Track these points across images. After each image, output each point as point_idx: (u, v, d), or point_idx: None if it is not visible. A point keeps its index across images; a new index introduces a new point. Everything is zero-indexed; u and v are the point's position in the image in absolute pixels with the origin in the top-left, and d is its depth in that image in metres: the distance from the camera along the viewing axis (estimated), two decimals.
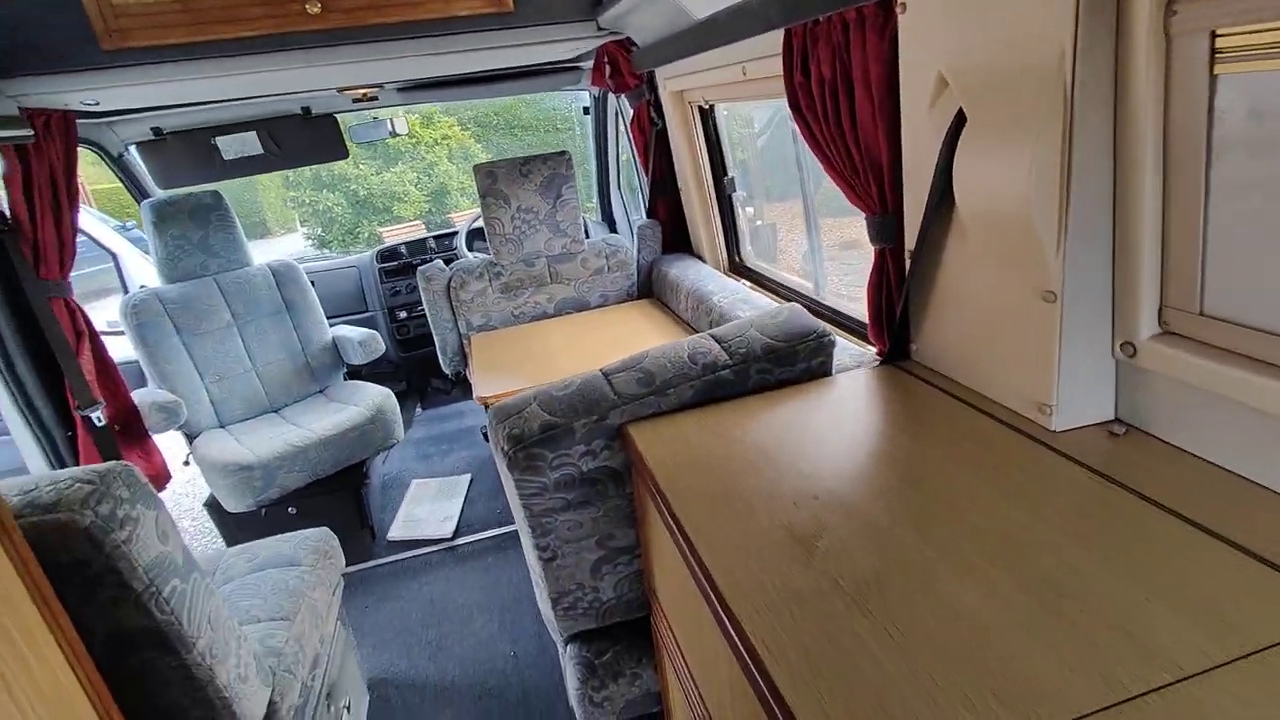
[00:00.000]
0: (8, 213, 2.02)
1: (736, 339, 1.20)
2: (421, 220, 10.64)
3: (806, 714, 0.55)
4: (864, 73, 1.11)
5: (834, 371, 1.24)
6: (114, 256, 3.29)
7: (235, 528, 2.52)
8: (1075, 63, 0.75)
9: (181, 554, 1.14)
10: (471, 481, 2.99)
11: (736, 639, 0.64)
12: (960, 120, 0.93)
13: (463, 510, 2.80)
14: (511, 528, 2.66)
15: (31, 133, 1.95)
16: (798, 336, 1.19)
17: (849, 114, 1.17)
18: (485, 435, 3.18)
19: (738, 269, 2.40)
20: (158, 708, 1.14)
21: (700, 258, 2.49)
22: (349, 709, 1.76)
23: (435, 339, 2.51)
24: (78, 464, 2.20)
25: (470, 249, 3.29)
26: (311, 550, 1.77)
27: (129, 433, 2.35)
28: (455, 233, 3.49)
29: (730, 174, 2.30)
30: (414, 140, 10.77)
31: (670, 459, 0.99)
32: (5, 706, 0.75)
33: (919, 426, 0.99)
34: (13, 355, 2.04)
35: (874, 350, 1.47)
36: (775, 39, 1.36)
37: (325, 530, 1.87)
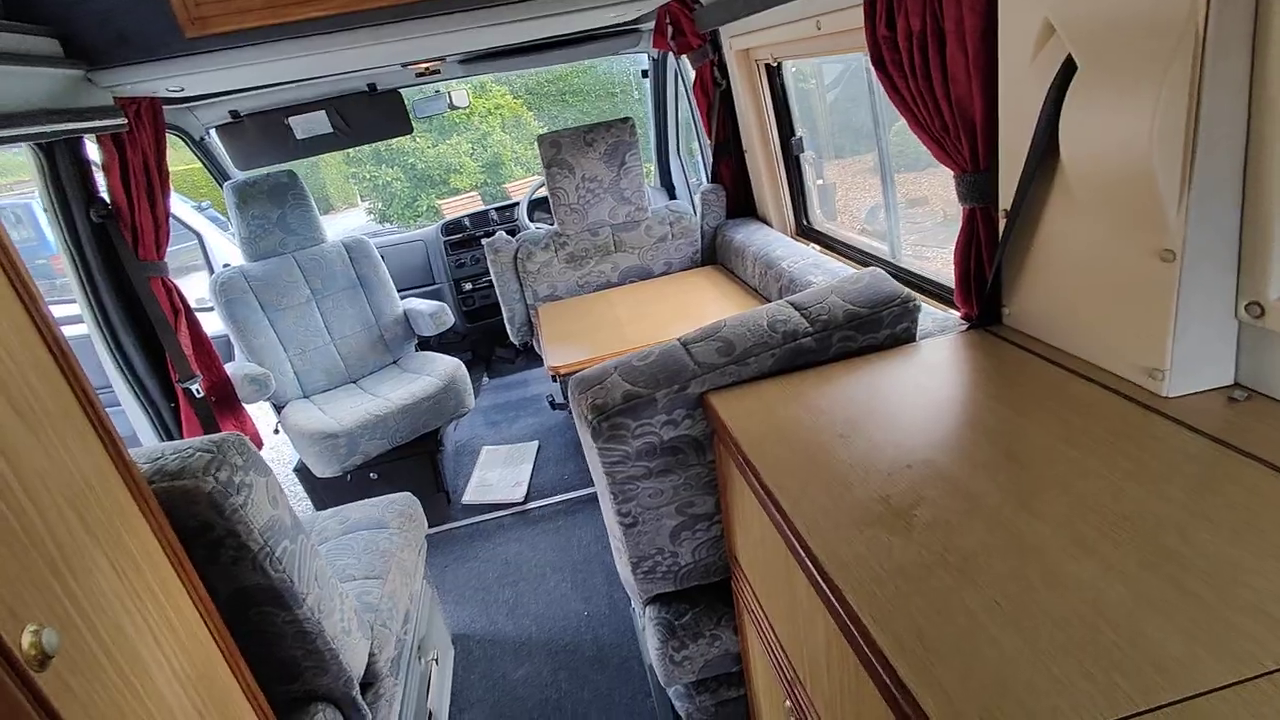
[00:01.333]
0: (108, 199, 2.15)
1: (817, 306, 1.18)
2: (477, 191, 10.76)
3: (923, 690, 0.55)
4: (958, 23, 1.05)
5: (918, 338, 1.20)
6: (198, 236, 3.46)
7: (322, 491, 2.67)
8: (1210, 2, 0.69)
9: (289, 516, 1.22)
10: (540, 448, 3.07)
11: (841, 612, 0.65)
12: (1069, 70, 0.87)
13: (532, 476, 2.89)
14: (579, 493, 2.73)
15: (125, 121, 2.05)
16: (881, 302, 1.16)
17: (939, 68, 1.11)
18: (552, 404, 3.25)
19: (805, 232, 2.34)
20: (274, 659, 1.23)
21: (766, 222, 2.44)
22: (437, 661, 1.87)
23: (503, 310, 2.55)
24: (181, 433, 2.36)
25: (531, 219, 3.32)
26: (397, 513, 1.86)
27: (224, 403, 2.50)
28: (516, 204, 3.52)
29: (798, 134, 2.23)
30: (467, 111, 10.83)
31: (755, 429, 0.99)
32: (155, 656, 0.83)
33: (1016, 394, 0.95)
34: (119, 332, 2.19)
35: (958, 314, 1.43)
36: None
37: (409, 495, 1.96)
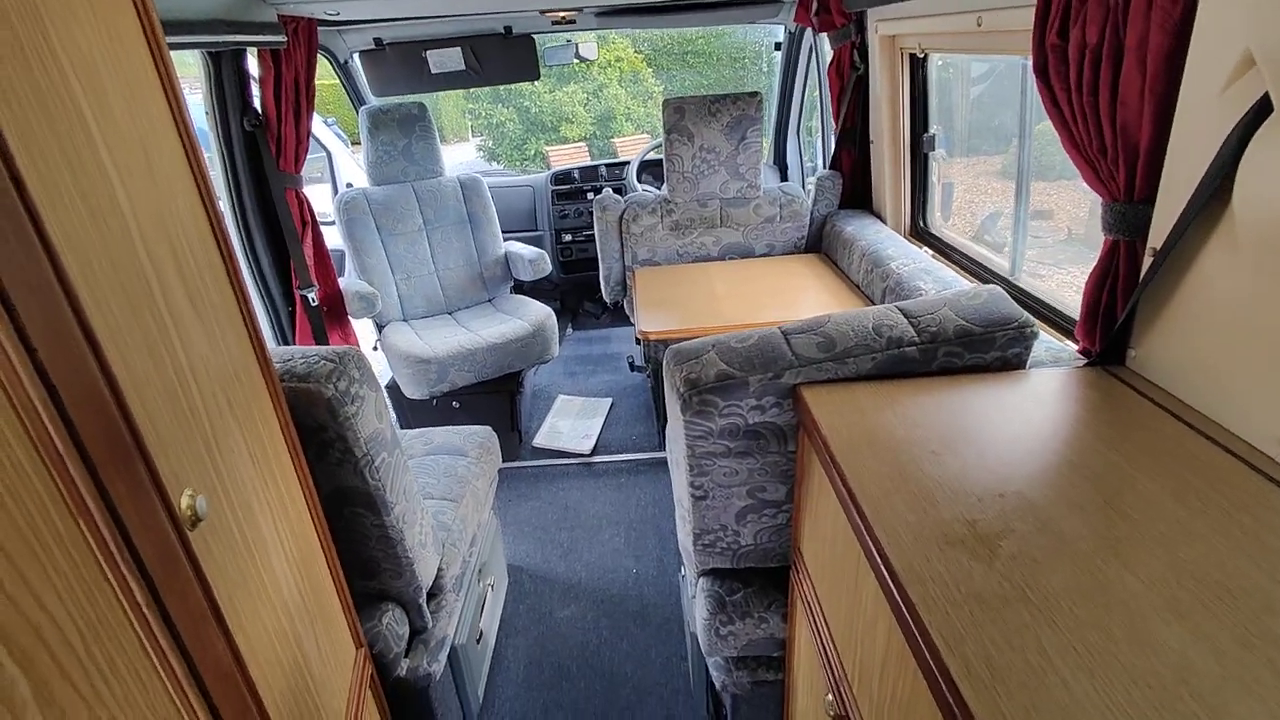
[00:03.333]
0: (260, 111, 2.31)
1: (927, 316, 1.15)
2: (585, 142, 10.81)
3: (985, 716, 0.55)
4: (1141, 41, 0.98)
5: (1028, 365, 1.16)
6: (328, 155, 3.66)
7: (409, 411, 2.83)
8: None
9: (390, 431, 1.32)
10: (612, 406, 3.14)
11: (912, 626, 0.66)
12: (1263, 110, 0.80)
13: (601, 431, 2.97)
14: (644, 455, 2.79)
15: (284, 38, 2.19)
16: (997, 323, 1.13)
17: (1110, 86, 1.04)
18: (631, 365, 3.31)
19: (920, 234, 2.26)
20: (359, 556, 1.35)
21: (880, 217, 2.36)
22: (493, 587, 1.99)
23: (600, 267, 2.60)
24: (294, 337, 2.55)
25: (639, 180, 3.33)
26: (477, 445, 1.96)
27: (333, 314, 2.68)
28: (626, 163, 3.54)
29: (932, 131, 2.13)
30: (588, 61, 10.83)
31: (846, 430, 0.99)
32: (272, 535, 0.93)
33: (1128, 442, 0.91)
34: (254, 235, 2.37)
35: (1074, 347, 1.36)
36: None
37: (488, 429, 2.06)
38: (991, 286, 1.21)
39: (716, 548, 1.33)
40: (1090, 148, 1.11)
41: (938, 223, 2.23)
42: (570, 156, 10.15)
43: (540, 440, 2.92)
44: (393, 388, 2.78)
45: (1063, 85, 1.13)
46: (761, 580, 1.36)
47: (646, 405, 3.10)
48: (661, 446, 2.83)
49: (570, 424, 3.03)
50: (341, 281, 2.75)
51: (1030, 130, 1.63)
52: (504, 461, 2.80)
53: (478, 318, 2.96)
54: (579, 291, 4.02)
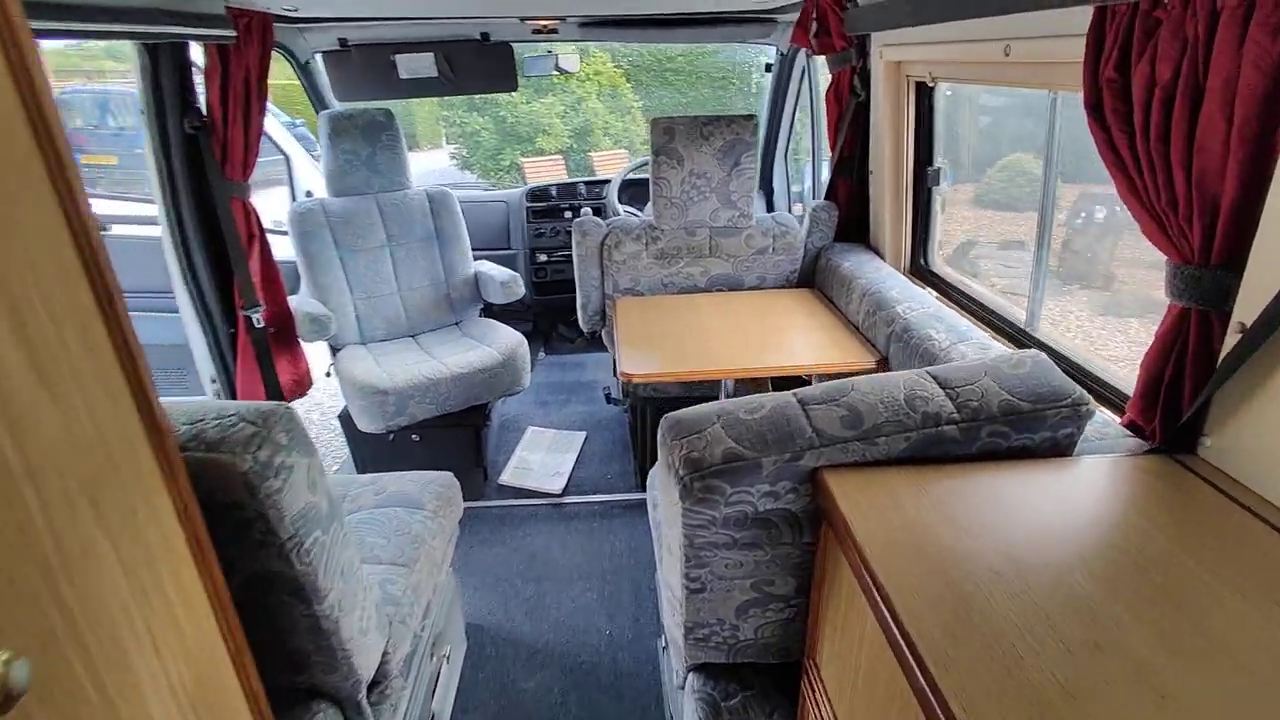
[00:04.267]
0: (204, 111, 2.07)
1: (966, 387, 0.99)
2: (562, 155, 10.65)
3: None
4: (1228, 80, 0.84)
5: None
6: (287, 160, 3.41)
7: (362, 444, 2.60)
8: None
9: (327, 502, 1.10)
10: (586, 440, 2.94)
11: None
12: None
13: (573, 468, 2.76)
14: (619, 497, 2.59)
15: (234, 33, 1.97)
16: (1047, 399, 0.97)
17: (1185, 131, 0.90)
18: (608, 397, 3.11)
19: (920, 273, 2.12)
20: (285, 648, 1.13)
21: (877, 253, 2.22)
22: (449, 658, 1.76)
23: (578, 294, 2.41)
24: (235, 360, 2.30)
25: (620, 200, 3.16)
26: (436, 495, 1.75)
27: (282, 336, 2.44)
28: (606, 181, 3.36)
29: (938, 165, 2.00)
30: (568, 74, 10.69)
31: (881, 530, 0.82)
32: (150, 668, 0.71)
33: (1231, 564, 0.75)
34: (193, 248, 2.13)
35: (1110, 416, 1.21)
36: (1069, 17, 1.09)
37: (449, 476, 1.85)
38: (1034, 353, 1.06)
39: (711, 642, 1.14)
40: (1156, 200, 0.96)
41: (939, 262, 2.10)
42: (546, 169, 9.96)
43: (507, 477, 2.70)
44: (346, 418, 2.55)
45: (1123, 126, 0.99)
46: (763, 682, 1.17)
47: (623, 441, 2.91)
48: (639, 488, 2.64)
49: (540, 459, 2.82)
50: (292, 301, 2.51)
51: (1054, 173, 1.50)
52: (467, 500, 2.58)
53: (443, 343, 2.74)
54: (553, 314, 3.82)
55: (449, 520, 1.74)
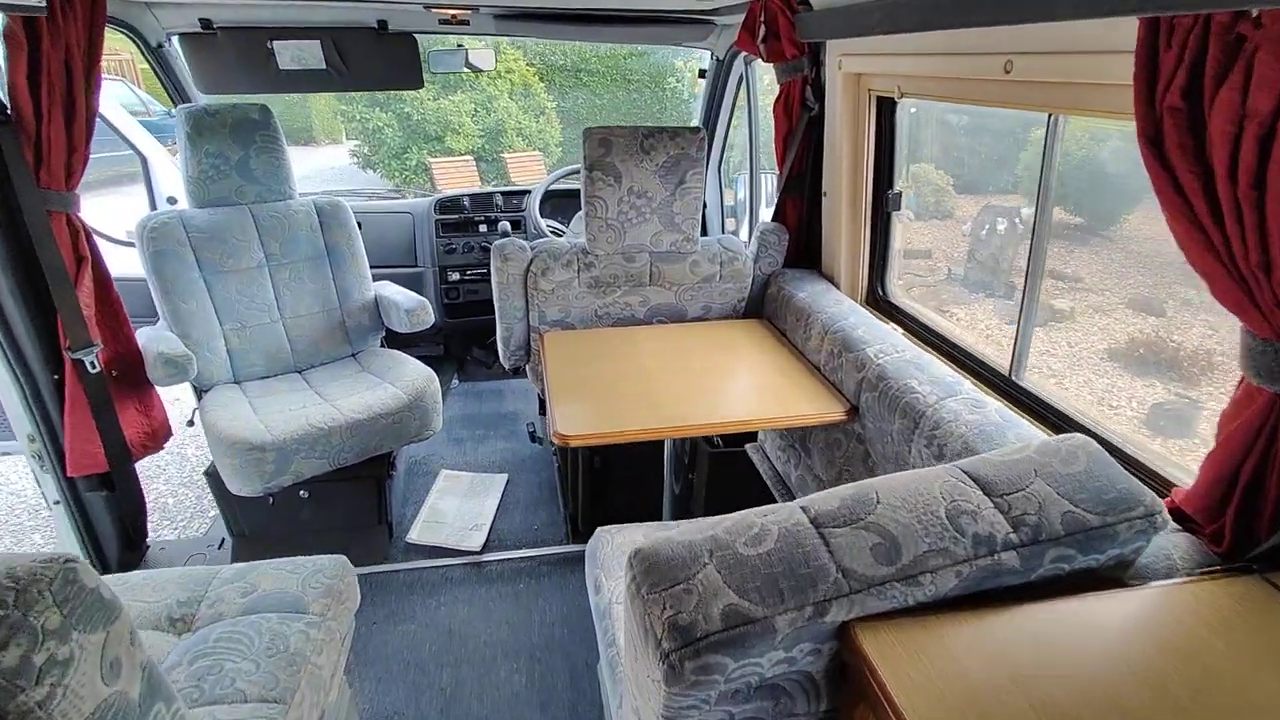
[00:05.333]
0: (6, 102, 1.62)
1: (1017, 495, 0.78)
2: (473, 155, 10.14)
3: None
4: None
5: None
6: (144, 161, 2.88)
7: (236, 504, 2.17)
8: None
9: (140, 682, 0.76)
10: (508, 483, 2.62)
11: None
12: None
13: (495, 518, 2.43)
14: (547, 551, 2.29)
15: (44, 3, 1.53)
16: (1118, 508, 0.77)
17: None
18: (532, 436, 2.80)
19: (878, 303, 1.95)
20: None
21: (831, 281, 2.04)
22: None
23: (499, 326, 2.09)
24: (62, 415, 1.84)
25: (541, 214, 2.85)
26: (323, 591, 1.40)
27: (128, 380, 1.99)
28: (527, 192, 3.04)
29: (898, 187, 1.83)
30: (480, 71, 10.18)
31: (934, 701, 0.58)
32: None
33: None
34: None
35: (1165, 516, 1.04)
36: (1079, 30, 0.91)
37: (340, 561, 1.50)
38: (1083, 441, 0.86)
39: None
40: (1241, 258, 0.78)
41: (898, 293, 1.93)
42: (456, 170, 9.44)
43: (417, 535, 2.34)
44: (216, 474, 2.11)
45: (1193, 166, 0.80)
46: None
47: (550, 483, 2.61)
48: (570, 539, 2.35)
49: (456, 508, 2.47)
50: (143, 335, 2.06)
51: (1049, 204, 1.34)
52: (369, 565, 2.21)
53: (336, 379, 2.34)
54: (467, 336, 3.45)
55: (340, 622, 1.40)
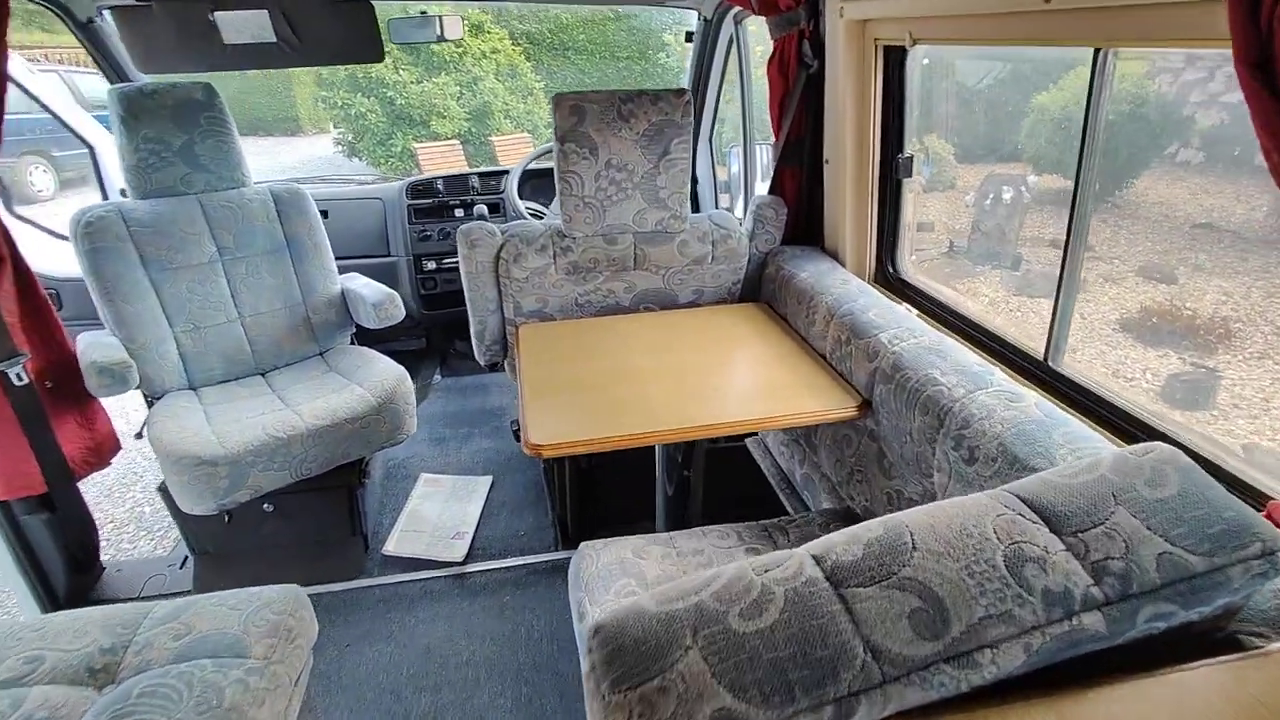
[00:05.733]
0: None
1: (1095, 532, 0.60)
2: (459, 139, 9.87)
3: None
4: None
5: None
6: (91, 151, 2.68)
7: (192, 522, 2.00)
8: None
9: None
10: (493, 486, 2.45)
11: None
12: None
13: (478, 524, 2.27)
14: (536, 558, 2.12)
15: None
16: (1227, 543, 0.59)
17: None
18: (518, 434, 2.62)
19: (889, 283, 1.76)
20: None
21: (835, 258, 1.85)
22: None
23: (471, 320, 1.91)
24: None
25: (521, 195, 2.65)
26: (269, 630, 1.23)
27: (65, 390, 1.81)
28: (505, 172, 2.84)
29: (909, 150, 1.63)
30: (460, 50, 9.89)
31: None
32: None
33: None
34: None
35: None
36: None
37: (293, 592, 1.33)
38: (1164, 449, 0.68)
39: None
40: None
41: (911, 270, 1.74)
42: (442, 155, 9.18)
43: (394, 546, 2.17)
44: (167, 492, 1.94)
45: None
46: None
47: (538, 484, 2.44)
48: (559, 544, 2.18)
49: (437, 514, 2.31)
50: (81, 342, 1.87)
51: (1093, 164, 1.14)
52: (343, 582, 2.04)
53: (301, 381, 2.16)
54: (448, 329, 3.27)
55: (289, 664, 1.23)
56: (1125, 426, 1.11)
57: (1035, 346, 1.30)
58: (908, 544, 0.59)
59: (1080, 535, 0.59)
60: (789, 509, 1.80)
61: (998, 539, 0.59)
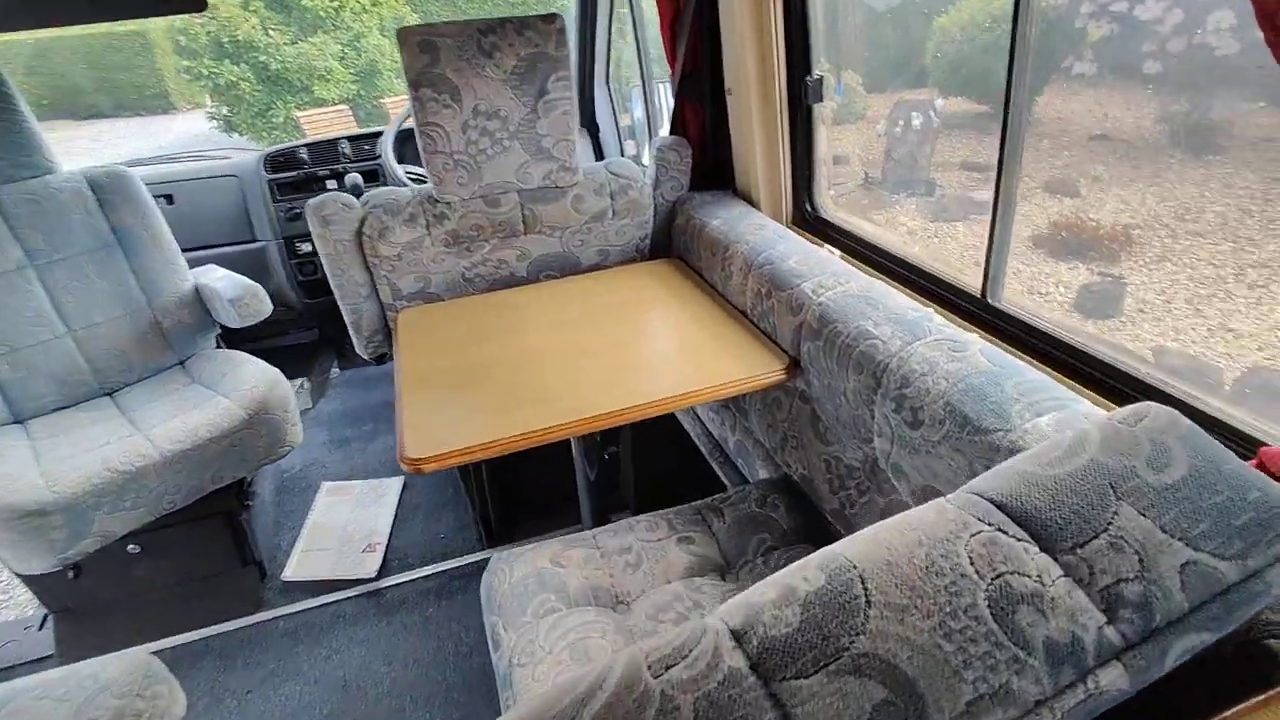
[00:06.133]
0: None
1: (1097, 545, 0.44)
2: (349, 105, 9.13)
3: None
4: None
5: None
6: None
7: (38, 578, 1.70)
8: None
9: None
10: (405, 488, 2.22)
11: None
12: None
13: (391, 532, 2.05)
14: (458, 561, 1.93)
15: None
16: (1259, 536, 0.45)
17: None
18: None
19: (808, 223, 1.60)
20: None
21: (749, 200, 1.67)
22: None
23: (344, 312, 1.65)
24: None
25: (401, 160, 2.34)
26: (113, 718, 1.00)
27: None
28: (379, 134, 2.51)
29: (817, 72, 1.45)
30: (336, 4, 9.05)
31: None
32: None
33: None
34: None
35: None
36: None
37: (143, 663, 1.09)
38: (1160, 412, 0.54)
39: None
40: None
41: (830, 207, 1.58)
42: (329, 122, 8.45)
43: (295, 570, 1.93)
44: None
45: None
46: None
47: (455, 480, 2.22)
48: (484, 542, 1.99)
49: (344, 527, 2.07)
50: None
51: (1024, 80, 0.98)
52: (238, 619, 1.80)
53: (157, 399, 1.85)
54: (339, 317, 2.94)
55: None
56: (1071, 362, 1.00)
57: (972, 282, 1.16)
58: (859, 598, 0.42)
59: (1080, 551, 0.44)
60: (725, 480, 1.66)
61: (976, 573, 0.43)
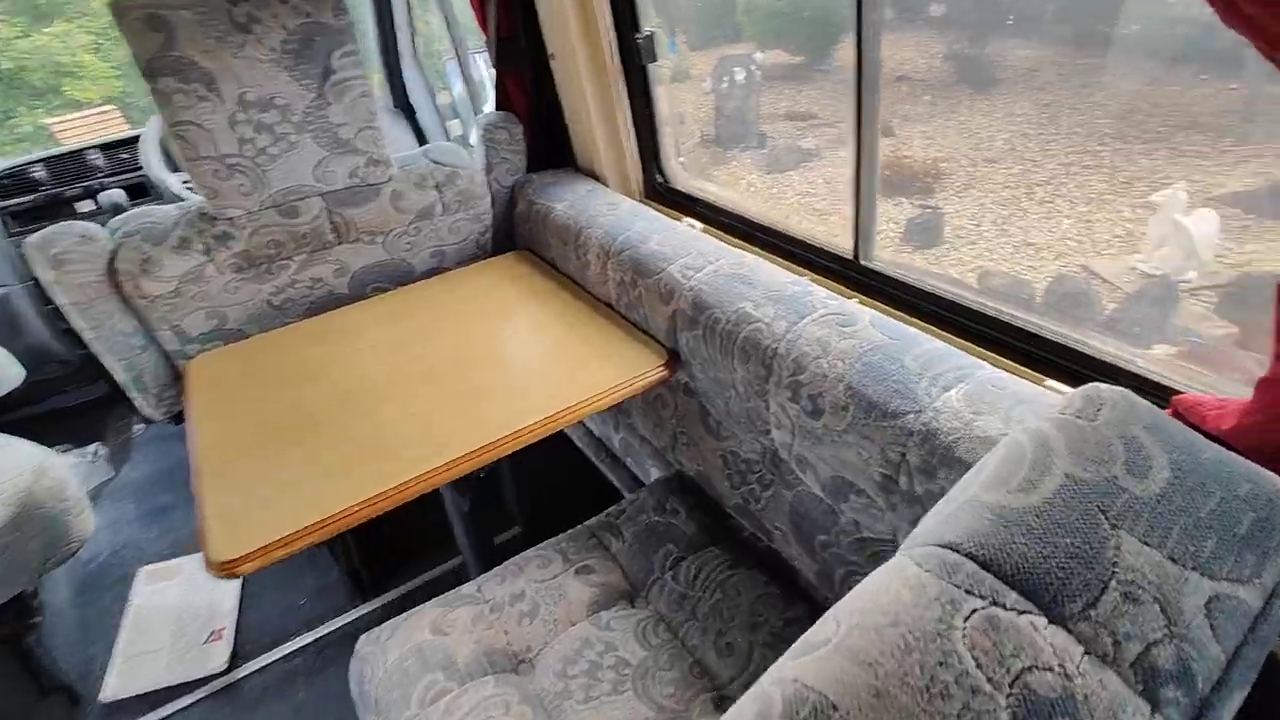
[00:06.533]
0: None
1: (1111, 601, 0.35)
2: (113, 104, 7.81)
3: None
4: None
5: None
6: None
7: None
8: None
9: None
10: None
11: None
12: None
13: (240, 608, 1.73)
14: (327, 629, 1.67)
15: None
16: (1266, 541, 0.37)
17: None
18: None
19: (661, 195, 1.47)
20: None
21: (594, 176, 1.51)
22: None
23: (115, 372, 1.30)
24: None
25: (175, 168, 1.93)
26: None
27: None
28: (134, 139, 2.06)
29: (647, 30, 1.31)
30: None
31: None
32: None
33: None
34: None
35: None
36: None
37: None
38: (1106, 395, 0.46)
39: None
40: None
41: (680, 173, 1.47)
42: (92, 127, 7.18)
43: (116, 687, 1.57)
44: None
45: None
46: None
47: None
48: (358, 598, 1.73)
49: (176, 617, 1.72)
50: None
51: (876, 18, 0.90)
52: None
53: None
54: None
55: None
56: (950, 316, 0.95)
57: (843, 244, 1.09)
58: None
59: (1094, 613, 0.35)
60: (617, 484, 1.53)
61: (989, 681, 0.32)
